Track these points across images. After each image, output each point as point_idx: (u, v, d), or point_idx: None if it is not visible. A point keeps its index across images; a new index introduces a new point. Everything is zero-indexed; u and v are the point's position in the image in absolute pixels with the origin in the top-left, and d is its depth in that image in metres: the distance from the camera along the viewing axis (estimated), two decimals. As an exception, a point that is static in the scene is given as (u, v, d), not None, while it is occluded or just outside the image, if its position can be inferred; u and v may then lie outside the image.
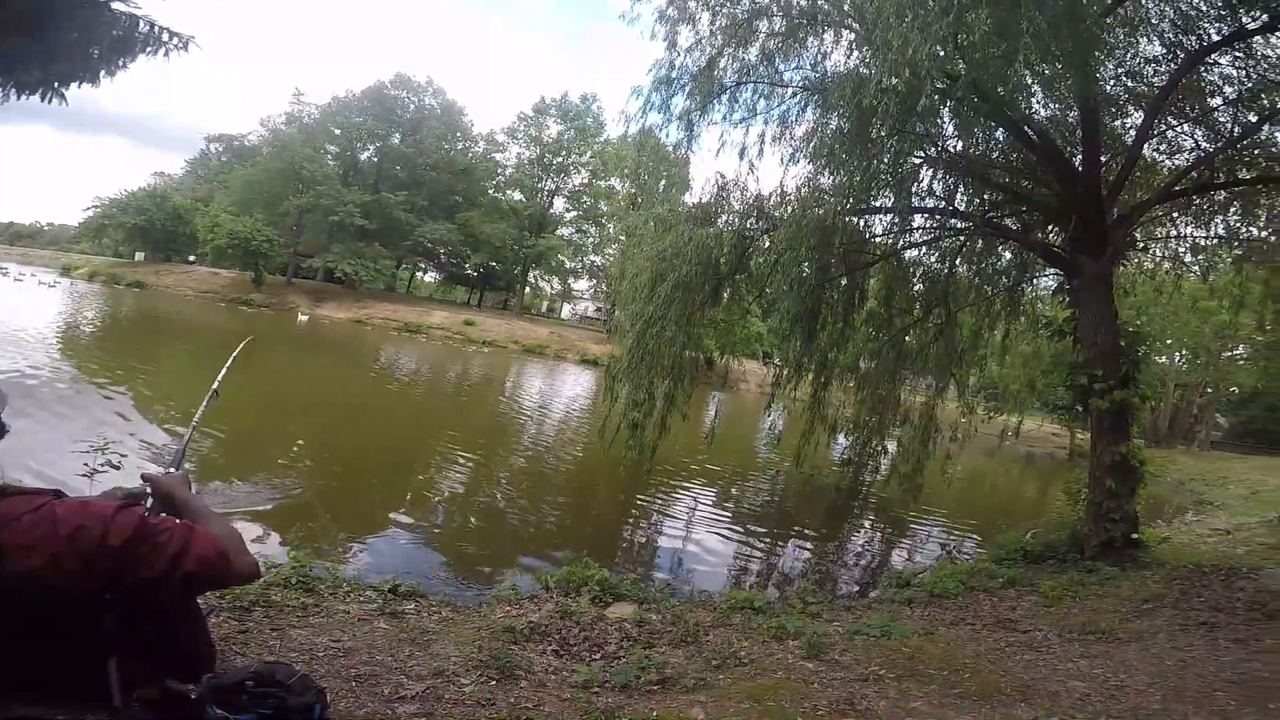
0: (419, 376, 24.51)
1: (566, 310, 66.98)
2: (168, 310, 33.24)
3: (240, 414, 10.79)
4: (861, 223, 9.17)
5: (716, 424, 11.33)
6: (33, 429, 7.65)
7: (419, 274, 65.64)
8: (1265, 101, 7.46)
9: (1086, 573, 6.69)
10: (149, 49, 6.61)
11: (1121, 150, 8.30)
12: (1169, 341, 31.83)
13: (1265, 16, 6.65)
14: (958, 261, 10.38)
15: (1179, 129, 8.43)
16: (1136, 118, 8.20)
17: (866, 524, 11.63)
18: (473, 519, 8.31)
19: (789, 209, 8.40)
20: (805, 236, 7.88)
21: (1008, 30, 5.23)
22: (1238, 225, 9.18)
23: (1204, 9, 7.00)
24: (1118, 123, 8.59)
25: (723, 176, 9.34)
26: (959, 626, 5.37)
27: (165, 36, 6.63)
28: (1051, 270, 9.57)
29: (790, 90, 8.88)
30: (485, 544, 7.46)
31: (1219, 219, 9.28)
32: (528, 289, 59.32)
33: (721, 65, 8.50)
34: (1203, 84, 7.75)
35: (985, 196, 9.41)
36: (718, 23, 8.49)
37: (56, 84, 6.07)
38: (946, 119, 7.91)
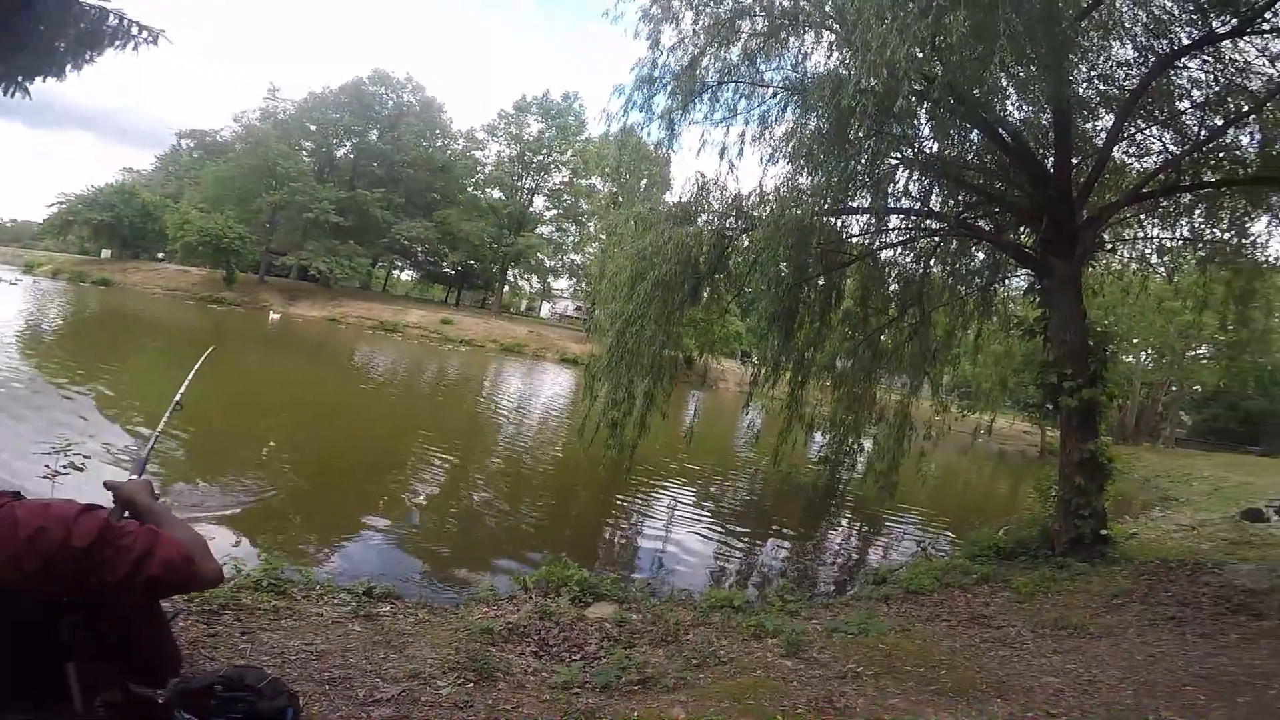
0: (395, 376, 24.22)
1: (546, 309, 66.70)
2: (134, 308, 32.46)
3: (209, 415, 10.56)
4: (839, 223, 9.27)
5: (696, 423, 11.33)
6: (-10, 430, 7.40)
7: (395, 272, 64.89)
8: (1231, 105, 7.66)
9: (1058, 568, 6.81)
10: (117, 43, 6.46)
11: (1092, 153, 8.47)
12: (1135, 341, 32.60)
13: (1235, 21, 6.82)
14: (932, 262, 10.53)
15: (1148, 132, 8.63)
16: (1107, 121, 8.38)
17: (843, 522, 11.73)
18: (450, 520, 8.22)
19: (768, 209, 8.43)
20: (783, 236, 7.92)
21: (985, 32, 5.29)
22: (1202, 227, 9.41)
23: (1176, 13, 7.16)
24: (1089, 125, 8.76)
25: (703, 176, 9.37)
26: (935, 623, 5.43)
27: (134, 30, 6.48)
28: (1023, 270, 9.75)
29: (771, 90, 8.92)
30: (463, 545, 7.38)
31: (1184, 221, 9.52)
32: (506, 288, 58.92)
33: (704, 64, 8.51)
34: (1172, 88, 7.93)
35: (959, 198, 9.55)
36: (701, 22, 8.49)
37: (20, 78, 5.88)
38: (923, 121, 8.00)
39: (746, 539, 9.34)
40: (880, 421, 11.11)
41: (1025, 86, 7.71)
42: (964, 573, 6.85)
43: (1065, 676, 4.05)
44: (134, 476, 1.91)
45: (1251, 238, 8.98)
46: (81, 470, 5.41)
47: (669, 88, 8.85)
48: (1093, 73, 8.03)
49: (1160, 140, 8.63)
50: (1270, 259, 9.16)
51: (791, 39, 8.24)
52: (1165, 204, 9.07)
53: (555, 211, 57.60)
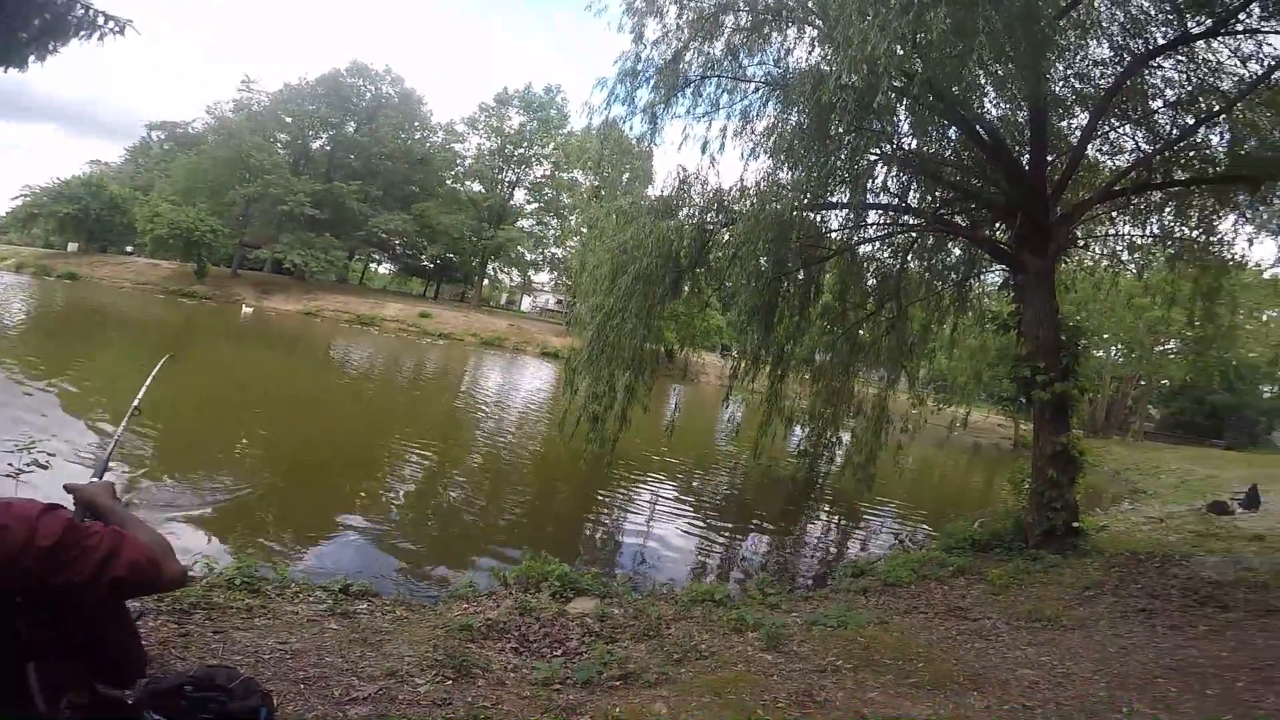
0: (372, 371, 23.92)
1: (527, 303, 66.38)
2: (102, 303, 31.68)
3: (181, 412, 10.35)
4: (818, 218, 9.29)
5: (677, 417, 11.37)
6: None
7: (373, 265, 64.11)
8: (1202, 104, 7.80)
9: (1031, 560, 6.91)
10: (82, 33, 6.29)
11: (1066, 150, 8.60)
12: (1106, 336, 33.30)
13: (1209, 21, 6.95)
14: (909, 257, 10.65)
15: (1121, 130, 8.77)
16: (1082, 119, 8.49)
17: (823, 514, 11.83)
18: (429, 517, 8.14)
19: (748, 203, 8.44)
20: (763, 230, 7.93)
21: (965, 29, 5.33)
22: (1171, 225, 9.59)
23: (1152, 13, 7.28)
24: (1064, 123, 8.88)
25: (685, 170, 9.36)
26: (912, 615, 5.49)
27: (101, 20, 6.32)
28: (998, 266, 9.90)
29: (753, 85, 8.93)
30: (442, 542, 7.31)
31: (1154, 219, 9.70)
32: (486, 281, 58.48)
33: (687, 59, 8.49)
34: (1145, 87, 8.07)
35: (937, 194, 9.63)
36: (685, 16, 8.47)
37: (-20, 68, 5.70)
38: (903, 117, 8.06)
39: (727, 533, 9.38)
40: (858, 415, 11.23)
41: (1003, 84, 7.80)
42: (940, 565, 6.94)
43: (1040, 669, 4.11)
44: (95, 479, 1.90)
45: (1219, 236, 9.17)
46: (46, 468, 5.26)
47: (652, 81, 8.83)
48: (1069, 71, 8.14)
49: (1133, 139, 8.79)
50: (1236, 257, 9.36)
51: (774, 34, 8.27)
52: (1136, 202, 9.24)
53: (536, 205, 57.30)
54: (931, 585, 6.40)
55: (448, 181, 55.21)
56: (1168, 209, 9.43)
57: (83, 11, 6.21)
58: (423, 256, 55.25)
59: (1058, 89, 8.16)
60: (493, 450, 12.97)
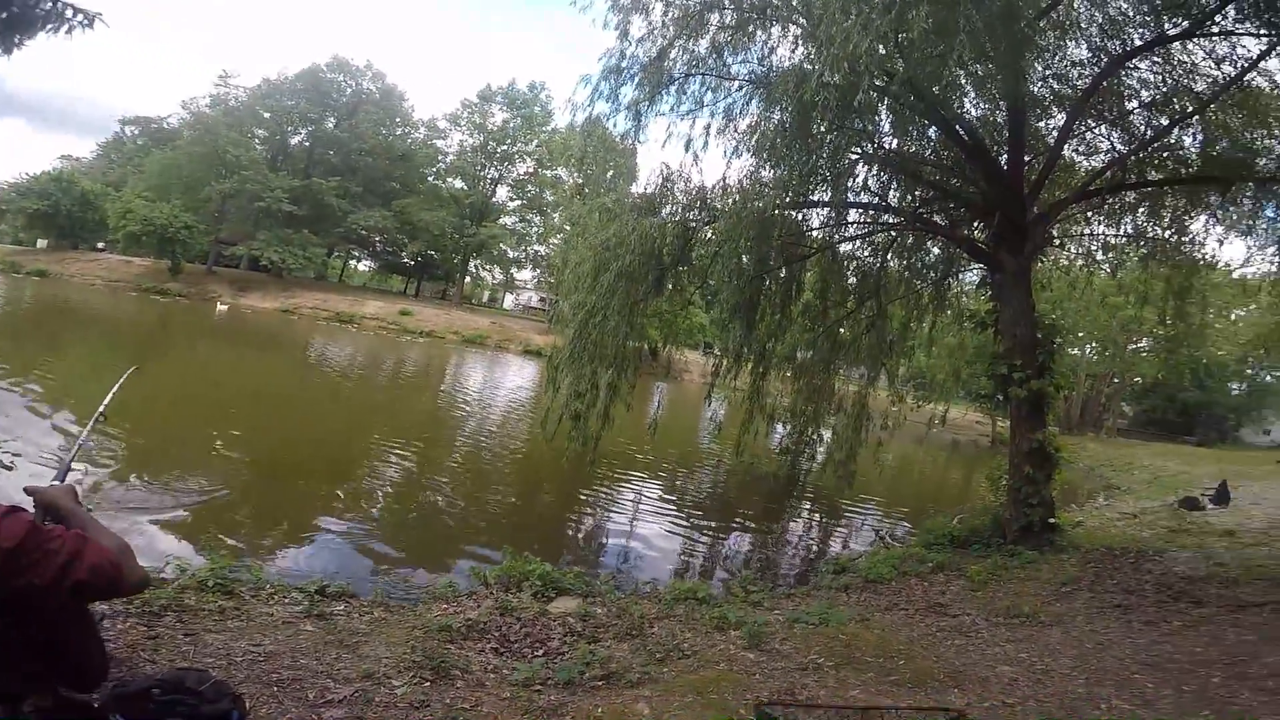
0: (351, 369, 23.64)
1: (509, 300, 66.01)
2: (73, 300, 31.01)
3: (153, 411, 10.14)
4: (800, 216, 9.31)
5: (660, 415, 11.34)
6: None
7: (353, 263, 63.41)
8: (1177, 106, 7.95)
9: (1009, 556, 6.99)
10: (50, 26, 6.15)
11: (1044, 150, 8.72)
12: (1081, 334, 33.79)
13: (1186, 23, 7.07)
14: (889, 256, 10.74)
15: (1097, 131, 8.92)
16: (1059, 119, 8.62)
17: (804, 512, 11.89)
18: (408, 517, 8.04)
19: (731, 201, 8.44)
20: (746, 228, 7.94)
21: (946, 28, 5.36)
22: (1145, 225, 9.78)
23: (1131, 14, 7.40)
24: (1042, 124, 9.00)
25: (668, 168, 9.32)
26: (893, 612, 5.53)
27: (69, 13, 6.18)
28: (976, 265, 10.01)
29: (737, 84, 8.92)
30: (422, 542, 7.22)
31: (1128, 219, 9.89)
32: (468, 278, 58.04)
33: (672, 56, 8.46)
34: (1122, 88, 8.21)
35: (916, 193, 9.73)
36: (670, 14, 8.45)
37: (-57, 63, 5.55)
38: (884, 116, 8.13)
39: (710, 531, 9.38)
40: (839, 412, 11.29)
41: (983, 84, 7.89)
42: (920, 561, 7.00)
43: (1019, 665, 4.15)
44: (56, 481, 1.89)
45: (1190, 236, 9.37)
46: (10, 469, 5.12)
47: (637, 79, 8.79)
48: (1048, 71, 8.26)
49: (1108, 139, 8.94)
50: (1207, 257, 9.55)
51: (759, 32, 8.28)
52: (1111, 202, 9.39)
53: (519, 202, 56.99)
54: (912, 582, 6.44)
55: (429, 178, 54.72)
56: (1141, 209, 9.61)
57: (50, 4, 6.07)
58: (403, 253, 54.74)
59: (1036, 89, 8.27)
60: (474, 449, 12.87)
